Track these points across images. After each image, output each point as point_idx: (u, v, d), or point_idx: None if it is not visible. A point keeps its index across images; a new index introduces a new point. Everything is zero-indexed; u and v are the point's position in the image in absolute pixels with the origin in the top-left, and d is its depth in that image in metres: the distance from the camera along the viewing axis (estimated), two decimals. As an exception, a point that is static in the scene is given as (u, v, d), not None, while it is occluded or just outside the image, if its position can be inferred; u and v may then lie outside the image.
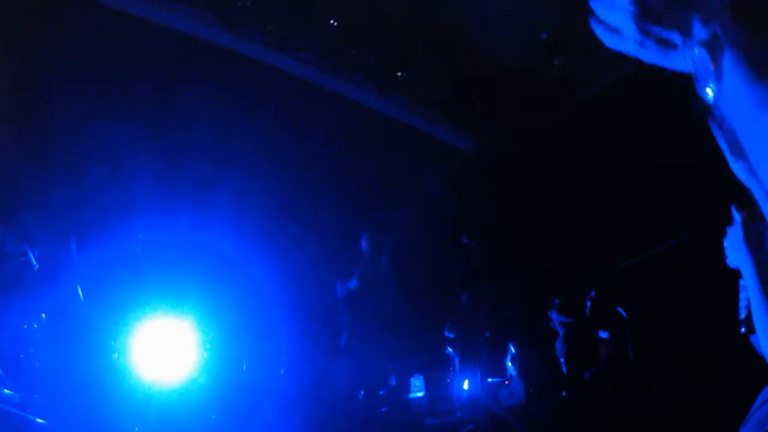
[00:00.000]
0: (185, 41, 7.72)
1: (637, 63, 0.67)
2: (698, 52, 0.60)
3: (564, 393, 5.86)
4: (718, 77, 0.58)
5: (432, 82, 8.94)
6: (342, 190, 9.26)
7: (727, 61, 0.57)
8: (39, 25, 6.34)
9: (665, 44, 0.62)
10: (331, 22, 8.38)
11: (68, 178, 6.29)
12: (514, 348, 8.46)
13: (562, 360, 7.50)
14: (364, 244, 5.31)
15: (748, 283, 1.12)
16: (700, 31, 0.59)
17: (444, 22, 7.42)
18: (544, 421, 6.21)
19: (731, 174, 0.66)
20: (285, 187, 8.68)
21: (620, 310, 7.49)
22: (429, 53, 8.18)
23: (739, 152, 0.59)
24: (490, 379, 7.75)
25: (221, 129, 8.27)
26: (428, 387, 7.85)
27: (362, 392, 4.96)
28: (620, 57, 0.67)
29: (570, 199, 10.12)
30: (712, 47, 0.58)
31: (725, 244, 1.24)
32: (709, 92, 0.60)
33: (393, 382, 6.11)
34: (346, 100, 9.47)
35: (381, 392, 5.75)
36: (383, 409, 6.47)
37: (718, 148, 0.66)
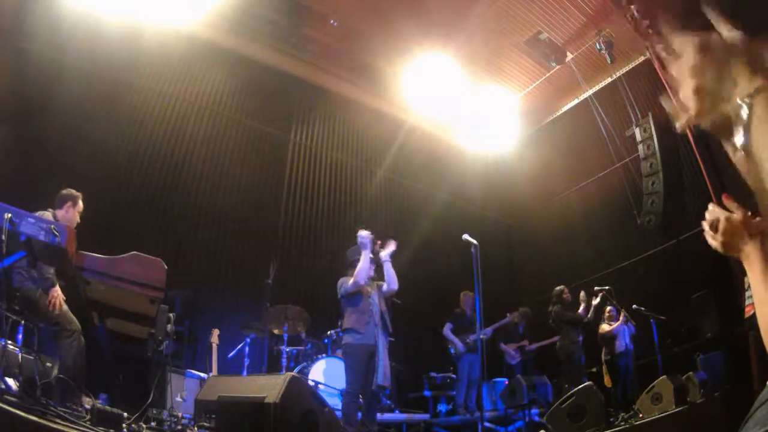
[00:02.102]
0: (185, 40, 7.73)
1: None
2: (736, 103, 0.69)
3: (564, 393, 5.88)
4: (749, 124, 0.67)
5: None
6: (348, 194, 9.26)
7: (758, 110, 0.67)
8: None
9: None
10: (332, 22, 8.39)
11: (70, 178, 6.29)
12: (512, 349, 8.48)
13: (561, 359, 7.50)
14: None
15: (752, 280, 1.10)
16: (739, 89, 0.70)
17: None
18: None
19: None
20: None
21: (620, 309, 7.48)
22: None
23: (765, 191, 0.67)
24: (491, 379, 7.77)
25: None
26: (428, 387, 7.86)
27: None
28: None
29: (571, 200, 10.13)
30: (749, 100, 0.68)
31: (721, 233, 1.22)
32: (741, 136, 0.69)
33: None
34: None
35: (383, 392, 5.74)
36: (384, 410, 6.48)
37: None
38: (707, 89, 0.71)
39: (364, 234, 5.26)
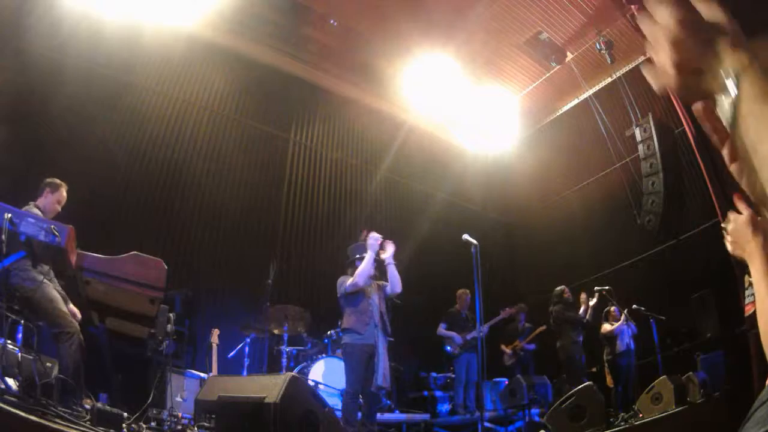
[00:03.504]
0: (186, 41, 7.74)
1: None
2: (721, 73, 0.64)
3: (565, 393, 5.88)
4: (736, 98, 0.63)
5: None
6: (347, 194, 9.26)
7: (745, 83, 0.62)
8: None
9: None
10: (332, 22, 8.40)
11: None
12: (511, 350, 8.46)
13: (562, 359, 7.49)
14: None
15: (755, 279, 1.11)
16: (725, 59, 0.64)
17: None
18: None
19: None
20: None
21: (620, 309, 7.47)
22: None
23: (752, 169, 0.63)
24: (491, 379, 7.76)
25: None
26: (428, 387, 7.86)
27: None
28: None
29: (571, 200, 10.13)
30: (735, 72, 0.63)
31: (729, 234, 1.24)
32: (727, 111, 0.65)
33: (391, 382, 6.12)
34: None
35: (381, 392, 5.74)
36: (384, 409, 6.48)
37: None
38: (688, 60, 0.67)
39: (375, 236, 5.23)
